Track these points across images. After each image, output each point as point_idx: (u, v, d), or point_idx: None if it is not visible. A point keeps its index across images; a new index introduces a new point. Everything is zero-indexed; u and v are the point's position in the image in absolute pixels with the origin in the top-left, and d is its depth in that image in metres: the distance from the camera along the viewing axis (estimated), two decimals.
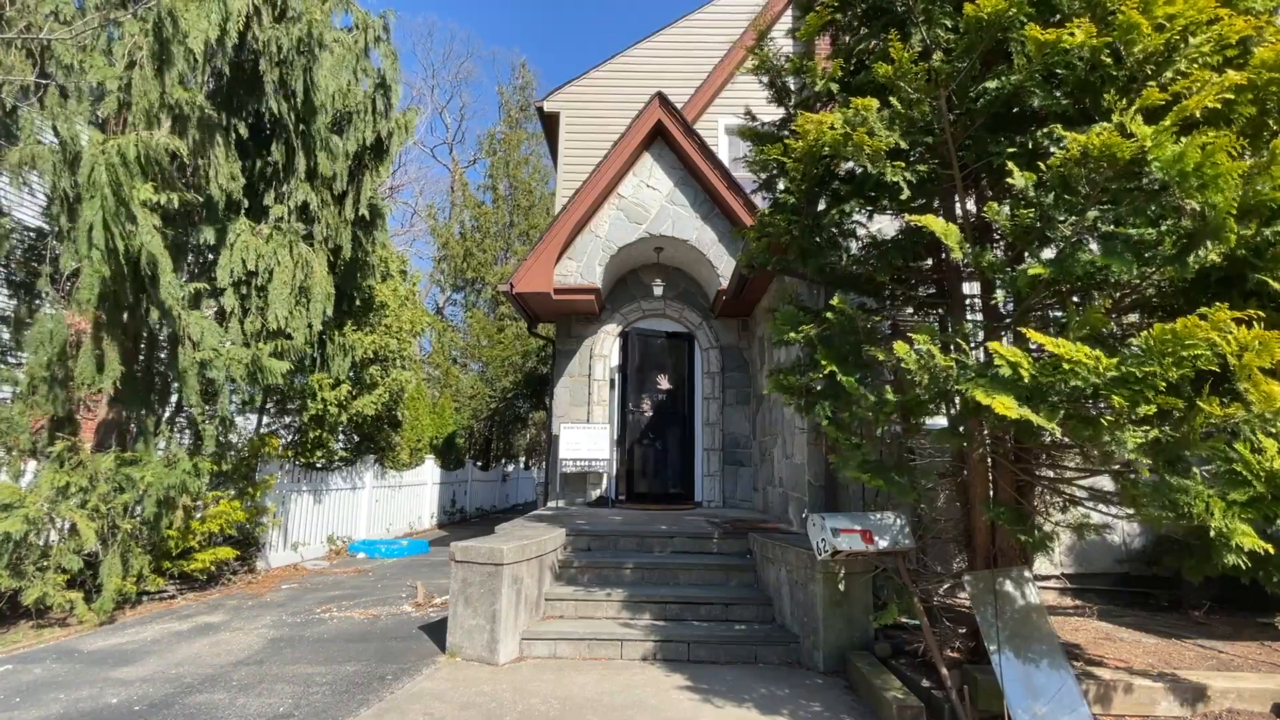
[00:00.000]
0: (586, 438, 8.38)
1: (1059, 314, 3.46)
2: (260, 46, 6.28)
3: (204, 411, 6.52)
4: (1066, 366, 2.29)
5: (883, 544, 3.61)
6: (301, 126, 6.64)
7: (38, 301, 6.10)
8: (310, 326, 6.52)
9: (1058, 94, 2.78)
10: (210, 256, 6.54)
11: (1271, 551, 2.18)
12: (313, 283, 6.54)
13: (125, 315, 5.67)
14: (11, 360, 5.94)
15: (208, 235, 6.13)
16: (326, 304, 6.70)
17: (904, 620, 3.82)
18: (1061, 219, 2.59)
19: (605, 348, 8.98)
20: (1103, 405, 2.43)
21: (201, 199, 6.18)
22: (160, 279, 5.46)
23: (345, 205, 7.19)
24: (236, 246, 6.07)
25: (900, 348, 2.80)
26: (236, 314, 6.30)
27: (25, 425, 5.55)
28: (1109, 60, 2.64)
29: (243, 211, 6.60)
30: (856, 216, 3.86)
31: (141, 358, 6.46)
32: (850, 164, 3.42)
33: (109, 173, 4.94)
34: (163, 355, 6.50)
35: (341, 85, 6.70)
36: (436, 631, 4.87)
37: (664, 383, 9.21)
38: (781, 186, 4.00)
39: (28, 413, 5.55)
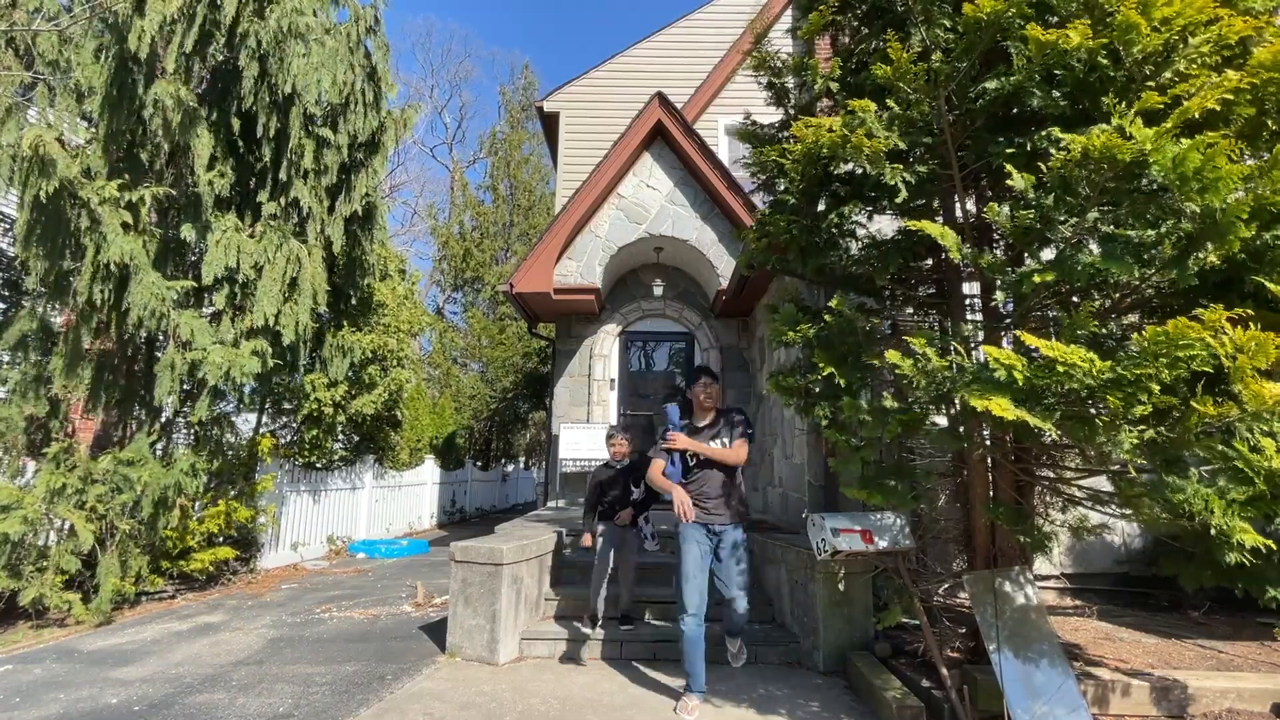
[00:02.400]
0: (586, 438, 8.38)
1: (1059, 314, 3.47)
2: (239, 39, 6.22)
3: (179, 411, 6.51)
4: (1061, 369, 2.29)
5: (883, 544, 3.62)
6: (289, 120, 6.60)
7: (25, 300, 6.12)
8: (301, 324, 6.49)
9: (1057, 95, 2.78)
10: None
11: (1274, 548, 2.18)
12: (304, 279, 6.51)
13: (108, 314, 5.65)
14: (8, 361, 5.95)
15: (191, 232, 6.07)
16: (320, 301, 6.67)
17: (904, 620, 3.83)
18: (1062, 220, 2.59)
19: (605, 348, 8.99)
20: (1101, 406, 2.43)
21: (187, 196, 6.16)
22: (141, 278, 5.45)
23: (339, 202, 7.15)
24: (221, 243, 6.02)
25: (893, 355, 2.80)
26: (227, 312, 6.28)
27: (20, 425, 5.56)
28: (1107, 61, 2.64)
29: (234, 208, 6.58)
30: (856, 217, 3.85)
31: (141, 358, 6.46)
32: (850, 164, 3.42)
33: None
34: (159, 355, 6.51)
35: (334, 77, 6.62)
36: (436, 631, 4.87)
37: (664, 383, 9.22)
38: (781, 187, 4.00)
39: (23, 412, 5.56)
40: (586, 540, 4.48)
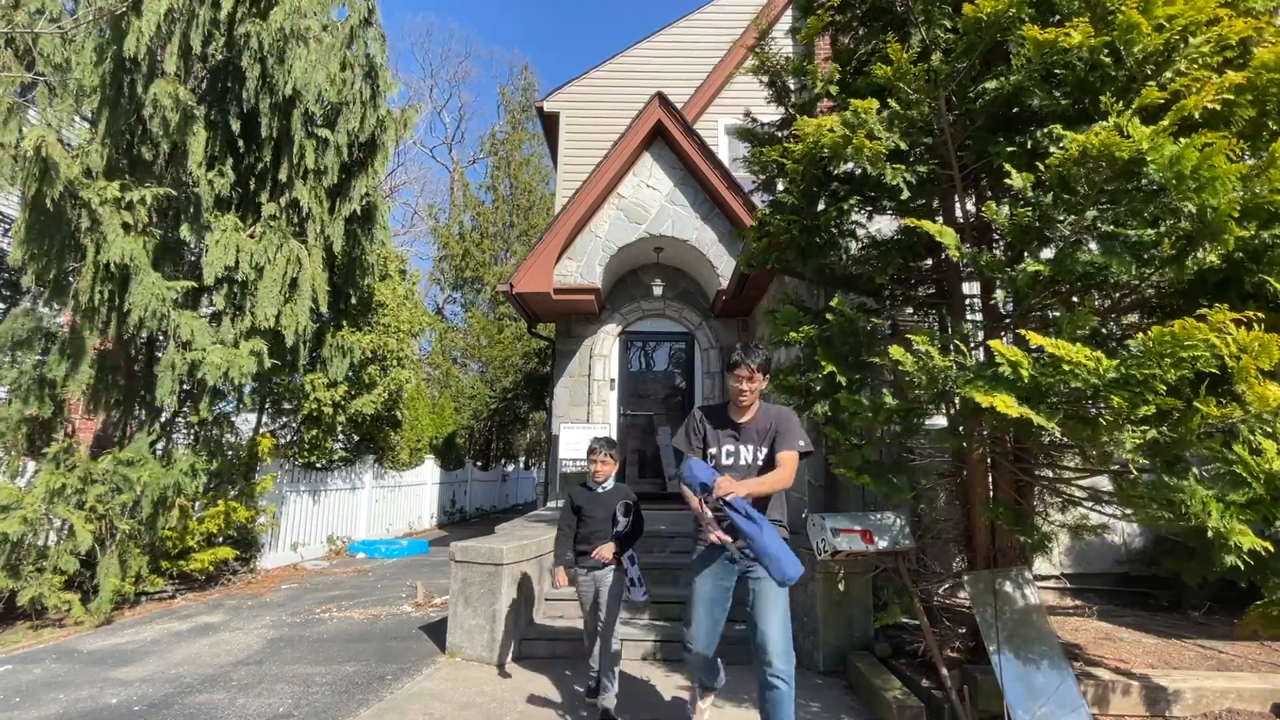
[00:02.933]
0: (586, 438, 8.38)
1: (1060, 314, 3.47)
2: (243, 41, 6.21)
3: (179, 411, 6.50)
4: (1066, 367, 2.29)
5: (882, 544, 3.62)
6: (291, 121, 6.58)
7: (25, 299, 6.12)
8: (301, 324, 6.48)
9: (1057, 94, 2.78)
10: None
11: (1271, 550, 2.18)
12: (304, 280, 6.51)
13: (108, 314, 5.65)
14: (5, 360, 5.95)
15: (191, 233, 6.05)
16: (320, 301, 6.67)
17: (904, 620, 3.83)
18: (1060, 219, 2.59)
19: (605, 348, 8.98)
20: (1102, 406, 2.43)
21: (187, 196, 6.16)
22: (142, 278, 5.44)
23: (339, 201, 7.14)
24: (221, 243, 6.01)
25: (896, 350, 2.80)
26: (227, 312, 6.27)
27: (20, 425, 5.56)
28: (1108, 60, 2.64)
29: (234, 208, 6.57)
30: (856, 217, 3.86)
31: (141, 358, 6.46)
32: (850, 164, 3.42)
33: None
34: (160, 356, 6.51)
35: (330, 73, 6.57)
36: (436, 631, 4.87)
37: (664, 383, 9.22)
38: (781, 187, 4.00)
39: (23, 412, 5.56)
40: (561, 578, 3.44)
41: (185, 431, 6.99)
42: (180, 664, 4.25)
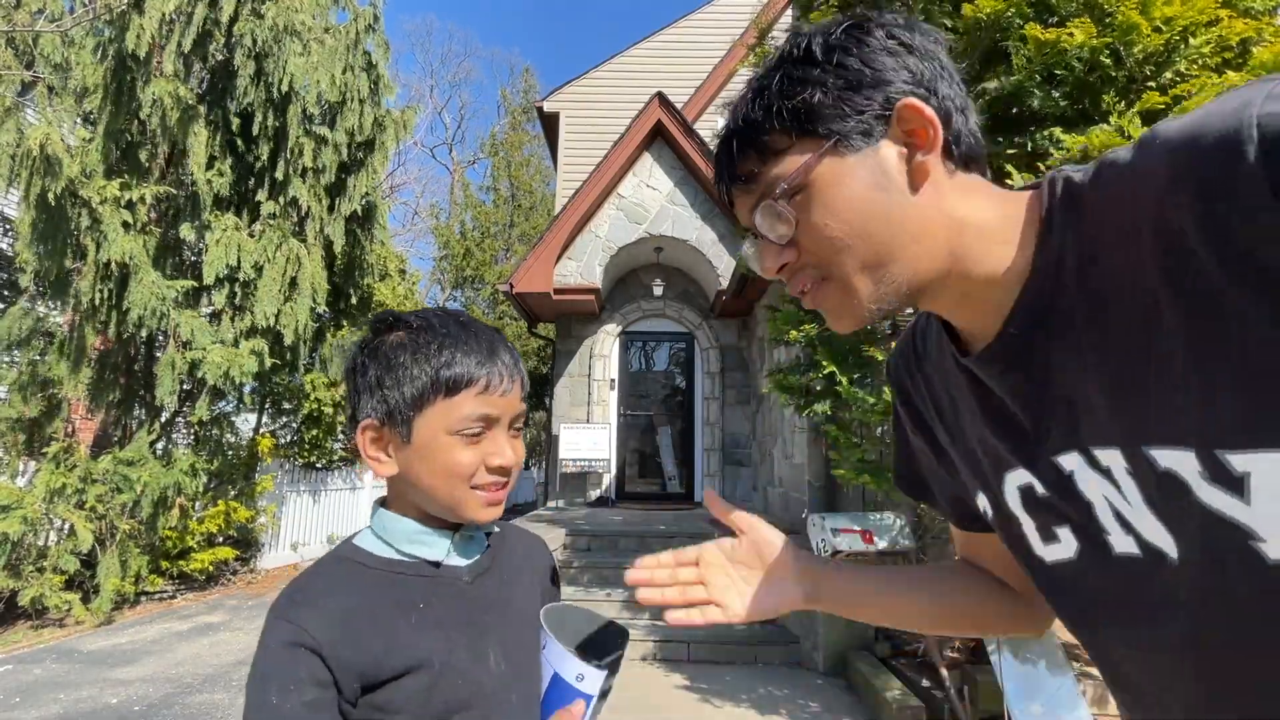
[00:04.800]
0: (586, 438, 8.39)
1: None
2: (237, 38, 6.19)
3: (179, 411, 6.50)
4: None
5: (882, 544, 3.62)
6: (287, 119, 6.57)
7: (21, 298, 6.12)
8: (301, 324, 6.48)
9: (1056, 95, 2.78)
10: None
11: None
12: (304, 279, 6.50)
13: (108, 313, 5.64)
14: (5, 360, 5.94)
15: (191, 231, 6.04)
16: (319, 301, 6.66)
17: None
18: None
19: (605, 348, 8.99)
20: None
21: (186, 195, 6.15)
22: (141, 277, 5.44)
23: (339, 201, 7.14)
24: (222, 243, 5.99)
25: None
26: (227, 312, 6.27)
27: (20, 425, 5.56)
28: (1108, 61, 2.64)
29: (233, 208, 6.57)
30: None
31: (141, 357, 6.46)
32: None
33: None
34: (159, 355, 6.51)
35: (332, 76, 6.59)
36: None
37: (664, 383, 9.23)
38: None
39: (24, 412, 5.56)
40: None
41: (185, 431, 6.98)
42: (181, 664, 4.25)
